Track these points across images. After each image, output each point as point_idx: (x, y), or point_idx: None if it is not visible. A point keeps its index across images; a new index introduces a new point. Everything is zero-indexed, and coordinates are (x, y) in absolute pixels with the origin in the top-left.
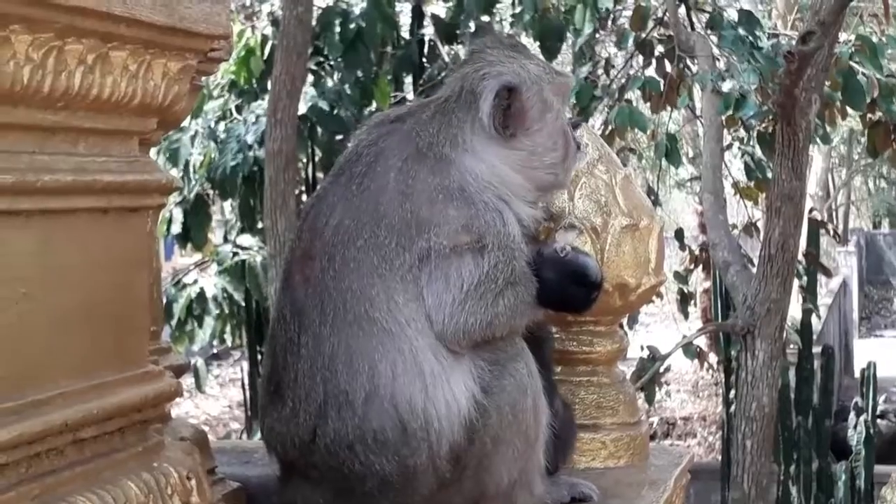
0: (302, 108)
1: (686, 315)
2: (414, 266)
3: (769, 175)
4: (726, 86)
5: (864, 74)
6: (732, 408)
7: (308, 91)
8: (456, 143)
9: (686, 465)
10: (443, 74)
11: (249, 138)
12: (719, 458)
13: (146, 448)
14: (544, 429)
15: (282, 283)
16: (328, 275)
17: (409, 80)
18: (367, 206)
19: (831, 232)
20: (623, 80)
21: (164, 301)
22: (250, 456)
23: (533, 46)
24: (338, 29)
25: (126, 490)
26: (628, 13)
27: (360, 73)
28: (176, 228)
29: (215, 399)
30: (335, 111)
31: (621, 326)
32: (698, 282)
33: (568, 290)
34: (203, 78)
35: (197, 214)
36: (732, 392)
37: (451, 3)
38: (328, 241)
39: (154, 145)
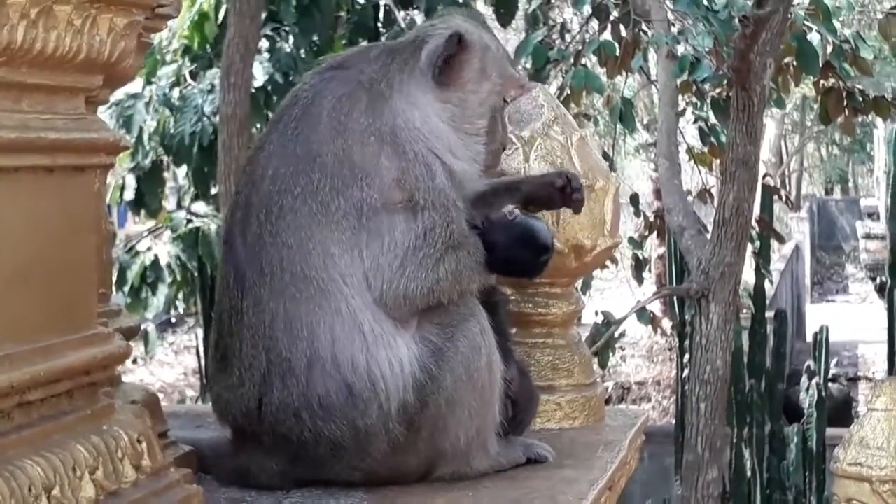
0: (260, 80)
1: (640, 281)
2: (350, 213)
3: (724, 140)
4: (681, 49)
5: (818, 33)
6: (686, 371)
7: (264, 62)
8: (393, 82)
9: (641, 426)
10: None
11: (207, 108)
12: (673, 421)
13: (95, 411)
14: (500, 384)
15: (223, 244)
16: (266, 231)
17: (364, 45)
18: (301, 150)
19: (784, 198)
20: (579, 46)
21: (118, 268)
22: (203, 420)
23: (488, 11)
24: None
25: (75, 453)
26: None
27: (315, 38)
28: (129, 195)
29: (170, 367)
30: (290, 78)
31: (576, 290)
32: (653, 248)
33: (516, 253)
34: (156, 43)
35: (150, 181)
36: (686, 356)
37: None
38: (265, 193)
39: (102, 104)
